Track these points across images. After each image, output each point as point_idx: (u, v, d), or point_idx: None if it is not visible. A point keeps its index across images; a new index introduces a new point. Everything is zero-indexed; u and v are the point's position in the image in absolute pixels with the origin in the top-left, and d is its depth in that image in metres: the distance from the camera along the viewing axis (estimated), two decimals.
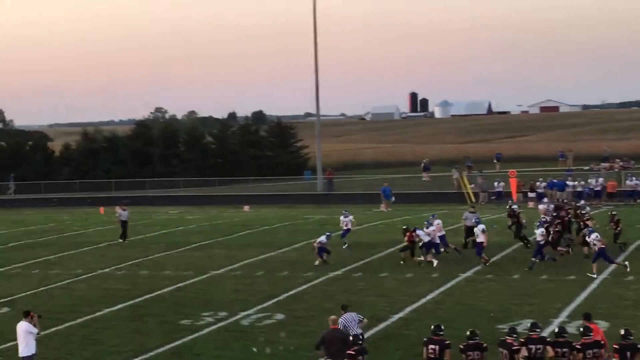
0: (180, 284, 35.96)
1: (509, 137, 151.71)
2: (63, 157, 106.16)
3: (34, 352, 22.38)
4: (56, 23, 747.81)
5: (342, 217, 45.26)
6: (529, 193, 64.11)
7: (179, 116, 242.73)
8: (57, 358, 25.10)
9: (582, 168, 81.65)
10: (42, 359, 24.13)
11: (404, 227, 40.26)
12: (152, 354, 25.20)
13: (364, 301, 31.28)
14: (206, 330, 27.74)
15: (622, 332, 19.10)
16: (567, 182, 64.35)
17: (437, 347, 19.28)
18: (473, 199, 65.84)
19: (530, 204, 61.77)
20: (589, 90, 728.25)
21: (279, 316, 29.27)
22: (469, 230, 41.47)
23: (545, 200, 53.52)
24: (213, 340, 26.50)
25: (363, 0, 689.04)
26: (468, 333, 19.42)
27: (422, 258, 38.54)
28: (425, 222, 39.74)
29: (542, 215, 41.64)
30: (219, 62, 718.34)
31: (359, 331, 22.10)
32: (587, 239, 37.02)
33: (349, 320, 22.37)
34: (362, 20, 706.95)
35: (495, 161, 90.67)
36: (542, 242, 36.80)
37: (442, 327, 19.74)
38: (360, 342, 19.97)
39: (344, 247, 43.04)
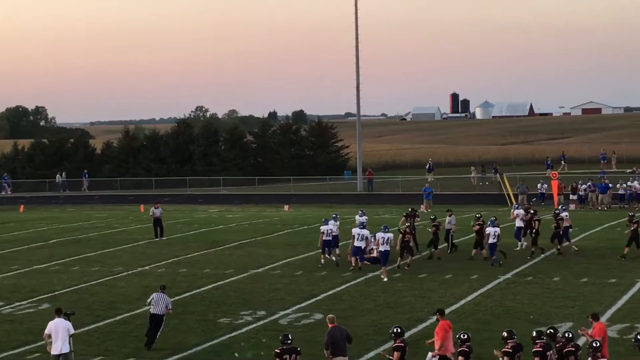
0: (219, 283, 36.05)
1: (550, 139, 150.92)
2: (104, 155, 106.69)
3: (71, 349, 22.56)
4: (99, 21, 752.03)
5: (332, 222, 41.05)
6: (570, 195, 63.64)
7: (220, 115, 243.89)
8: (96, 355, 25.20)
9: (625, 171, 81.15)
10: (81, 356, 24.29)
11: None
12: (190, 351, 25.28)
13: (403, 302, 31.21)
14: (245, 329, 27.77)
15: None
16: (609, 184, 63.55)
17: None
18: (513, 201, 65.47)
19: (572, 206, 61.47)
20: (631, 93, 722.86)
21: (318, 316, 29.24)
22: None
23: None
24: (251, 339, 26.52)
25: (405, 1, 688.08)
26: (505, 334, 19.26)
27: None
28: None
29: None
30: (259, 61, 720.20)
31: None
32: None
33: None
34: (404, 21, 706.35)
35: (563, 162, 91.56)
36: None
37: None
38: (290, 341, 19.94)
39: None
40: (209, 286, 35.39)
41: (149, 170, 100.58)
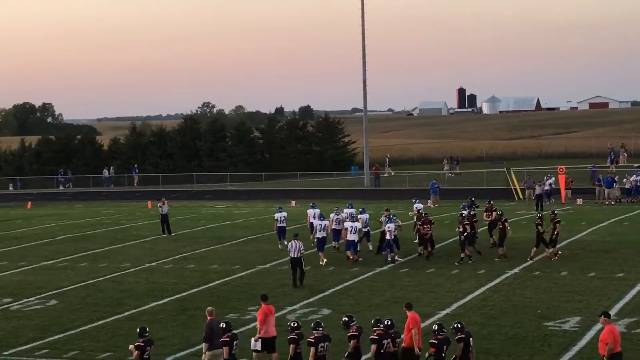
0: (227, 278, 36.07)
1: (557, 134, 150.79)
2: (111, 151, 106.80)
3: None
4: (105, 19, 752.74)
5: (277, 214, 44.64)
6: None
7: (227, 111, 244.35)
8: (104, 351, 25.24)
9: (632, 165, 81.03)
10: (89, 352, 24.31)
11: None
12: (198, 347, 25.22)
13: (410, 297, 31.16)
14: (252, 324, 27.68)
15: (435, 327, 19.88)
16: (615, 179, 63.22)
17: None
18: (520, 196, 65.49)
19: (579, 201, 61.34)
20: (638, 87, 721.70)
21: (325, 311, 29.26)
22: None
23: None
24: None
25: None
26: (436, 327, 19.98)
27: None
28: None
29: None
30: (266, 57, 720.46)
31: None
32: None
33: None
34: (410, 16, 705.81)
35: (623, 155, 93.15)
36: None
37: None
38: (147, 333, 20.74)
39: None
40: (217, 282, 35.43)
41: (156, 166, 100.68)
